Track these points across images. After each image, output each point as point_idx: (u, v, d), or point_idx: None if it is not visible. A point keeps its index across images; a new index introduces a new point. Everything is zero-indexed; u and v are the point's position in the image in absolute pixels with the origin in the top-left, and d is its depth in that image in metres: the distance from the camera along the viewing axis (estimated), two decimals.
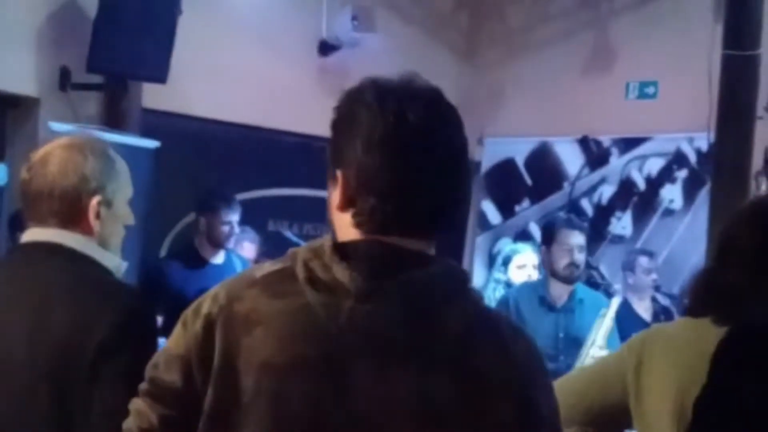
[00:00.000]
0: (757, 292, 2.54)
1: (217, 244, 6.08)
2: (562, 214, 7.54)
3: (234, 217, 6.07)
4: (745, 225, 2.62)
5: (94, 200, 2.55)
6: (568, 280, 5.66)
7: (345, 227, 1.79)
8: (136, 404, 1.87)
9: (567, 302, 5.62)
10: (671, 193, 7.82)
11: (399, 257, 1.74)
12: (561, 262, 5.66)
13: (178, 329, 1.85)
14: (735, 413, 2.35)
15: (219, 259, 6.11)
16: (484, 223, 8.74)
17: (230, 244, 6.14)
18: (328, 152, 1.83)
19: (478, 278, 8.58)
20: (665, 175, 7.88)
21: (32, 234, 2.58)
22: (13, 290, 2.52)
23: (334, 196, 1.81)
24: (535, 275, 6.49)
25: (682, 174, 7.80)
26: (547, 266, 5.75)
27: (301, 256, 1.78)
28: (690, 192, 7.74)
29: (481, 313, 1.81)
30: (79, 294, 2.44)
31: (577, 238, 5.71)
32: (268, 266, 1.84)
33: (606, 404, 2.70)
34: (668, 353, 2.60)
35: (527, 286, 6.11)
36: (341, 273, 1.73)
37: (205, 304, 1.82)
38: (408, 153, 1.77)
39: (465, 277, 1.81)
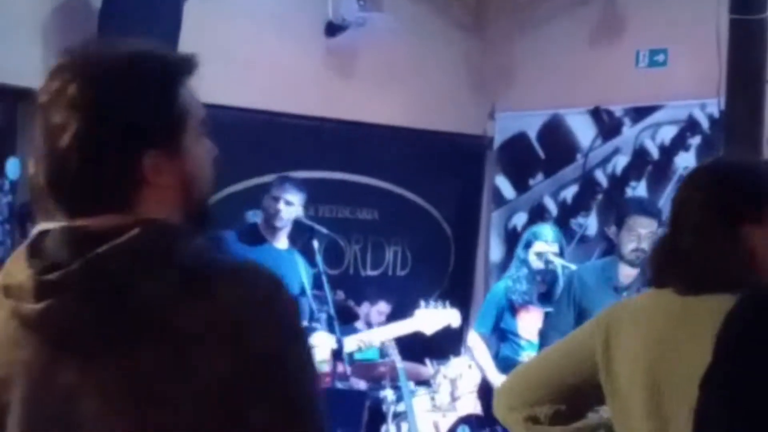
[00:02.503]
0: (714, 257, 2.53)
1: (273, 225, 6.22)
2: (635, 197, 7.46)
3: (290, 196, 6.19)
4: (694, 188, 2.60)
5: None
6: (633, 264, 5.70)
7: (53, 210, 1.75)
8: None
9: (633, 283, 5.67)
10: (685, 161, 7.76)
11: (85, 239, 1.66)
12: (628, 246, 5.71)
13: None
14: (744, 387, 2.33)
15: (280, 243, 6.27)
16: (498, 199, 8.72)
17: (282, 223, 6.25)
18: None
19: (494, 254, 8.59)
20: (679, 143, 7.84)
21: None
22: None
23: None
24: (556, 261, 6.51)
25: (695, 141, 7.76)
26: (617, 247, 5.81)
27: (7, 262, 1.74)
28: (704, 158, 7.66)
29: (189, 267, 1.68)
30: None
31: (648, 226, 5.74)
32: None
33: (576, 381, 2.69)
34: (635, 326, 2.59)
35: (594, 265, 6.16)
36: (23, 274, 1.68)
37: None
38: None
39: (171, 237, 1.70)
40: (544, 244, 6.58)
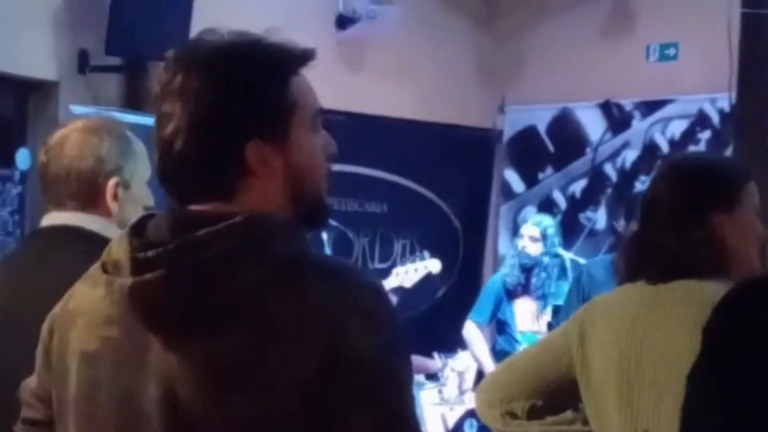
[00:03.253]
0: (685, 246, 2.55)
1: None
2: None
3: None
4: (663, 184, 2.63)
5: (111, 182, 2.56)
6: None
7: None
8: None
9: None
10: None
11: (186, 222, 1.69)
12: None
13: None
14: (736, 381, 2.32)
15: None
16: (507, 192, 8.71)
17: None
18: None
19: (503, 247, 8.58)
20: (689, 137, 7.82)
21: (51, 218, 2.59)
22: (32, 275, 2.52)
23: None
24: (534, 248, 6.55)
25: (705, 135, 7.75)
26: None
27: (113, 241, 1.78)
28: (715, 153, 7.67)
29: (285, 260, 1.69)
30: None
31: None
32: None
33: (554, 377, 2.72)
34: (607, 320, 2.63)
35: (604, 260, 6.15)
36: (122, 250, 1.70)
37: (56, 306, 1.87)
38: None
39: (268, 227, 1.70)
40: (530, 229, 6.63)
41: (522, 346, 6.48)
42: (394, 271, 6.50)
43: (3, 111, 6.53)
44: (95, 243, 2.50)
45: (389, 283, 6.43)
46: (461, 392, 7.34)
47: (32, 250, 2.65)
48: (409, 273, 6.46)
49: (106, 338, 1.74)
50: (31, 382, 1.93)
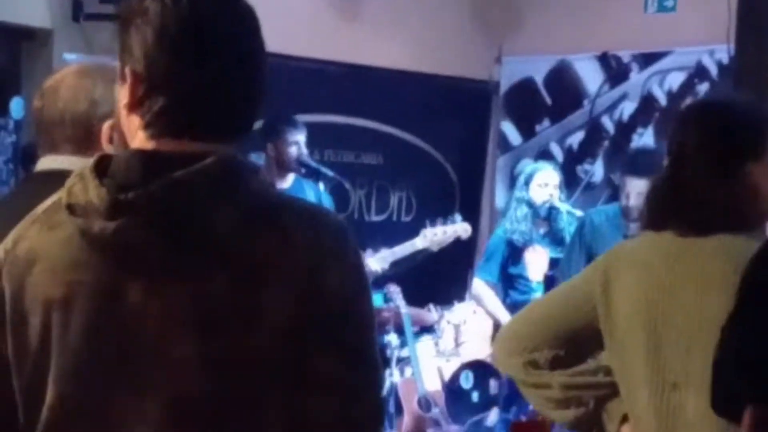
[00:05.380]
0: (718, 198, 2.51)
1: (288, 167, 6.11)
2: (633, 151, 7.31)
3: (300, 136, 6.08)
4: (692, 130, 2.58)
5: (106, 125, 2.52)
6: (630, 219, 5.66)
7: (134, 131, 1.74)
8: None
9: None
10: None
11: (159, 162, 1.67)
12: (623, 202, 5.72)
13: None
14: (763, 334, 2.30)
15: (286, 183, 6.12)
16: (504, 145, 8.67)
17: (299, 168, 6.16)
18: (118, 49, 1.76)
19: (500, 200, 8.55)
20: (687, 90, 7.76)
21: (46, 162, 2.56)
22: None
23: (122, 95, 1.75)
24: (556, 194, 6.48)
25: (703, 88, 7.69)
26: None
27: (68, 181, 1.73)
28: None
29: (260, 202, 1.71)
30: None
31: (640, 187, 5.71)
32: (52, 197, 1.79)
33: (575, 326, 2.68)
34: (634, 270, 2.58)
35: (606, 210, 6.12)
36: (93, 191, 1.66)
37: None
38: (200, 50, 1.70)
39: (242, 168, 1.71)
40: (547, 175, 6.54)
41: (537, 295, 6.41)
42: (423, 232, 6.48)
43: None
44: None
45: (417, 244, 6.41)
46: (457, 344, 7.35)
47: (27, 194, 2.61)
48: (438, 236, 6.44)
49: (75, 282, 1.69)
50: None
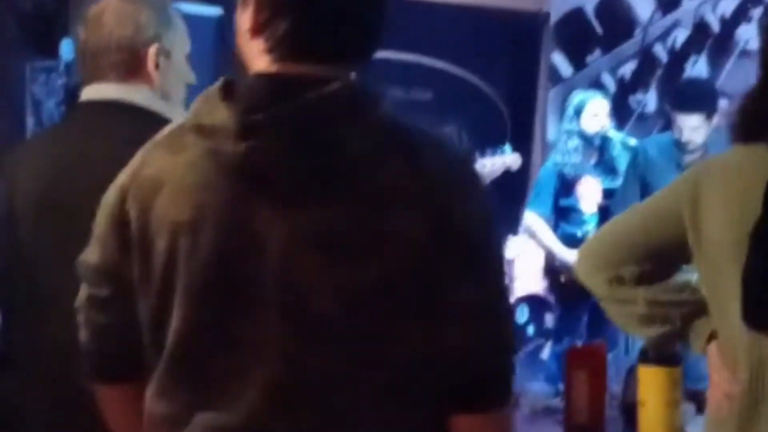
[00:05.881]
0: None
1: None
2: (683, 84, 7.16)
3: None
4: None
5: (152, 49, 2.51)
6: (686, 151, 5.71)
7: (257, 56, 1.74)
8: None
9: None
10: (747, 33, 7.55)
11: (287, 85, 1.67)
12: (676, 136, 5.73)
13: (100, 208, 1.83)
14: None
15: None
16: (555, 77, 8.55)
17: None
18: None
19: (552, 132, 8.47)
20: (740, 15, 7.63)
21: (91, 91, 2.55)
22: (80, 148, 2.49)
23: (244, 20, 1.75)
24: (608, 124, 6.41)
25: (757, 12, 7.54)
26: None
27: (193, 104, 1.73)
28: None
29: (389, 128, 1.71)
30: None
31: (690, 121, 5.69)
32: (176, 122, 1.80)
33: (662, 241, 2.63)
34: (725, 184, 2.51)
35: (659, 140, 6.15)
36: (221, 113, 1.66)
37: (121, 175, 1.81)
38: None
39: (369, 94, 1.72)
40: (597, 104, 6.47)
41: (591, 227, 6.35)
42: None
43: (45, 1, 6.47)
44: (141, 115, 2.48)
45: None
46: (511, 279, 7.32)
47: (77, 124, 2.60)
48: (487, 167, 6.37)
49: (202, 206, 1.69)
50: (90, 258, 1.86)
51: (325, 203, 1.66)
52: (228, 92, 1.70)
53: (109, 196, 1.83)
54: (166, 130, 1.82)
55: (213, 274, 1.69)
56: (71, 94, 6.09)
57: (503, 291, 1.80)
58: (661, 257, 2.65)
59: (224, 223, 1.68)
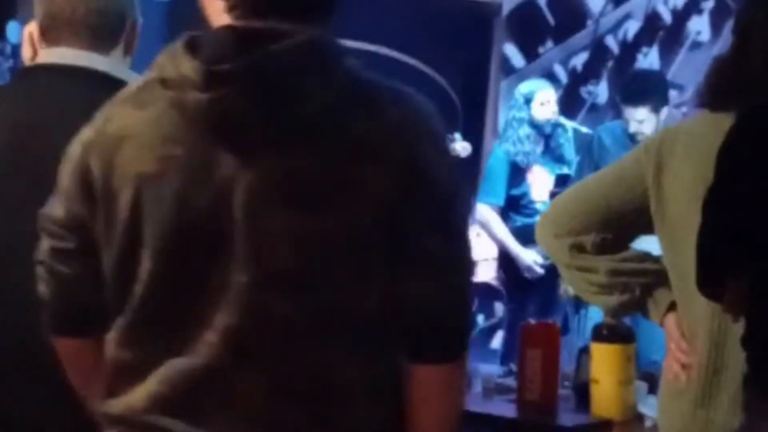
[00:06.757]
0: None
1: None
2: (631, 76, 7.16)
3: None
4: (761, 7, 2.50)
5: (130, 19, 2.50)
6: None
7: (220, 14, 1.75)
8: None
9: None
10: (698, 25, 7.62)
11: (251, 38, 1.68)
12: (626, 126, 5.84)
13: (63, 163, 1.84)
14: (744, 206, 2.26)
15: None
16: (507, 68, 8.56)
17: None
18: None
19: (503, 124, 8.47)
20: (692, 7, 7.67)
21: (53, 54, 2.49)
22: (40, 108, 2.43)
23: None
24: (557, 111, 6.42)
25: (708, 4, 7.60)
26: None
27: (158, 59, 1.74)
28: (718, 23, 7.52)
29: (353, 81, 1.73)
30: None
31: (638, 115, 5.74)
32: (141, 78, 1.82)
33: (624, 209, 2.62)
34: (690, 152, 2.50)
35: (613, 125, 6.27)
36: (186, 65, 1.67)
37: (84, 131, 1.82)
38: None
39: (333, 47, 1.73)
40: (547, 93, 6.48)
41: None
42: None
43: None
44: (103, 80, 2.43)
45: None
46: None
47: (36, 85, 2.53)
48: None
49: (167, 158, 1.71)
50: (54, 211, 1.86)
51: (289, 153, 1.67)
52: (191, 47, 1.71)
53: (73, 152, 1.84)
54: (130, 86, 1.84)
55: (178, 223, 1.71)
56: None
57: (467, 244, 1.80)
58: (622, 226, 2.64)
59: (189, 174, 1.70)
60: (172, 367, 1.73)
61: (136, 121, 1.75)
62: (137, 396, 1.75)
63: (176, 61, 1.69)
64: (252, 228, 1.68)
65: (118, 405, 1.78)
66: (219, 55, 1.67)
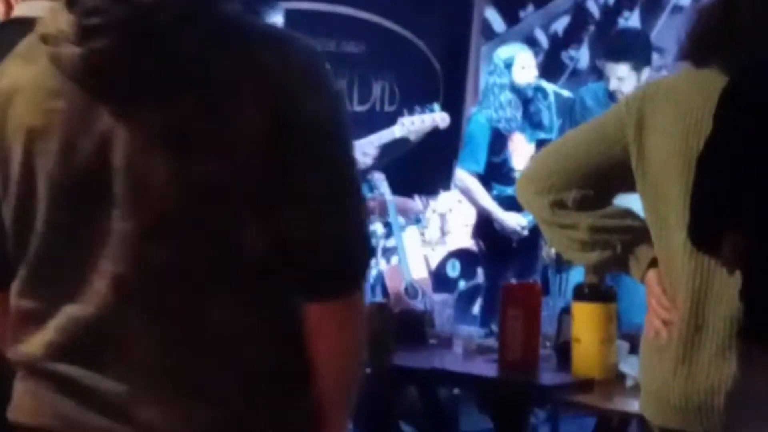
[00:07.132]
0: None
1: None
2: (615, 34, 7.15)
3: (277, 18, 5.92)
4: None
5: None
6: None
7: None
8: None
9: None
10: None
11: None
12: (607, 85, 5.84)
13: None
14: (742, 160, 2.24)
15: None
16: (488, 32, 8.53)
17: None
18: None
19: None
20: None
21: (27, 8, 2.43)
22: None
23: None
24: (529, 76, 6.36)
25: None
26: None
27: (43, 15, 1.78)
28: None
29: (228, 26, 1.75)
30: None
31: (619, 72, 5.75)
32: (34, 34, 1.82)
33: (605, 165, 2.59)
34: (672, 107, 2.47)
35: (595, 87, 6.25)
36: (63, 19, 1.70)
37: None
38: None
39: None
40: (526, 57, 6.43)
41: None
42: (401, 120, 6.30)
43: None
44: None
45: (395, 133, 6.27)
46: (443, 233, 7.31)
47: (10, 43, 2.48)
48: (416, 124, 6.29)
49: (52, 111, 1.75)
50: None
51: (164, 101, 1.70)
52: (71, 1, 1.72)
53: None
54: (22, 42, 1.86)
55: (65, 175, 1.75)
56: None
57: (352, 181, 1.80)
58: (603, 182, 2.61)
59: (72, 126, 1.74)
60: (66, 315, 1.77)
61: (24, 75, 1.79)
62: (36, 343, 1.79)
63: (56, 16, 1.73)
64: (131, 176, 1.71)
65: (19, 352, 1.82)
66: (93, 7, 1.69)
